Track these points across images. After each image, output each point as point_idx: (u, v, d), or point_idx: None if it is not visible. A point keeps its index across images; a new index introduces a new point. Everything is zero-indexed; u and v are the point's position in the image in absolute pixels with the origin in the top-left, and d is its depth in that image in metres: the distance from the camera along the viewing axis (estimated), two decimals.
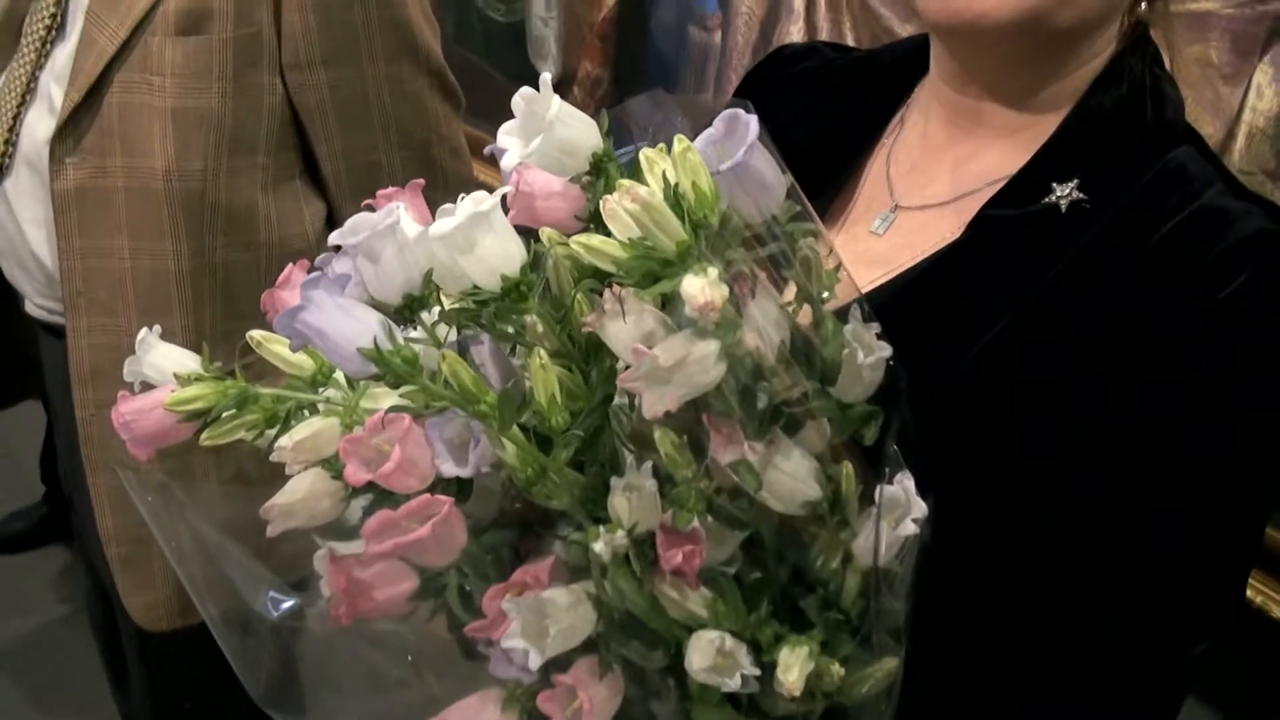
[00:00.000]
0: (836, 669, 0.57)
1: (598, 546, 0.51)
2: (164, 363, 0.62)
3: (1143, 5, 0.73)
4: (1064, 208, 0.69)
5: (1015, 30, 0.68)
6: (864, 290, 0.72)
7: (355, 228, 0.57)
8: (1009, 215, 0.71)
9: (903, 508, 0.57)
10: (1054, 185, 0.70)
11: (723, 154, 0.52)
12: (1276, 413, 0.64)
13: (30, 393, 1.89)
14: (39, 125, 1.36)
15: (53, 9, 1.34)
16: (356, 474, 0.55)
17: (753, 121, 0.53)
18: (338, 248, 0.58)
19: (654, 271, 0.49)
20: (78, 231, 1.34)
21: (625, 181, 0.50)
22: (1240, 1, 1.22)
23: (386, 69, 1.37)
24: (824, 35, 1.57)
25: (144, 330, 0.63)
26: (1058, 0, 0.67)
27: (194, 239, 1.34)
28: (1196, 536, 0.66)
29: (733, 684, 0.55)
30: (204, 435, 0.58)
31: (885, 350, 0.55)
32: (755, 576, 0.59)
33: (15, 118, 1.37)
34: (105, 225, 1.33)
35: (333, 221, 1.42)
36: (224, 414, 0.58)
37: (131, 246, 1.34)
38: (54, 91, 1.35)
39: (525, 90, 0.55)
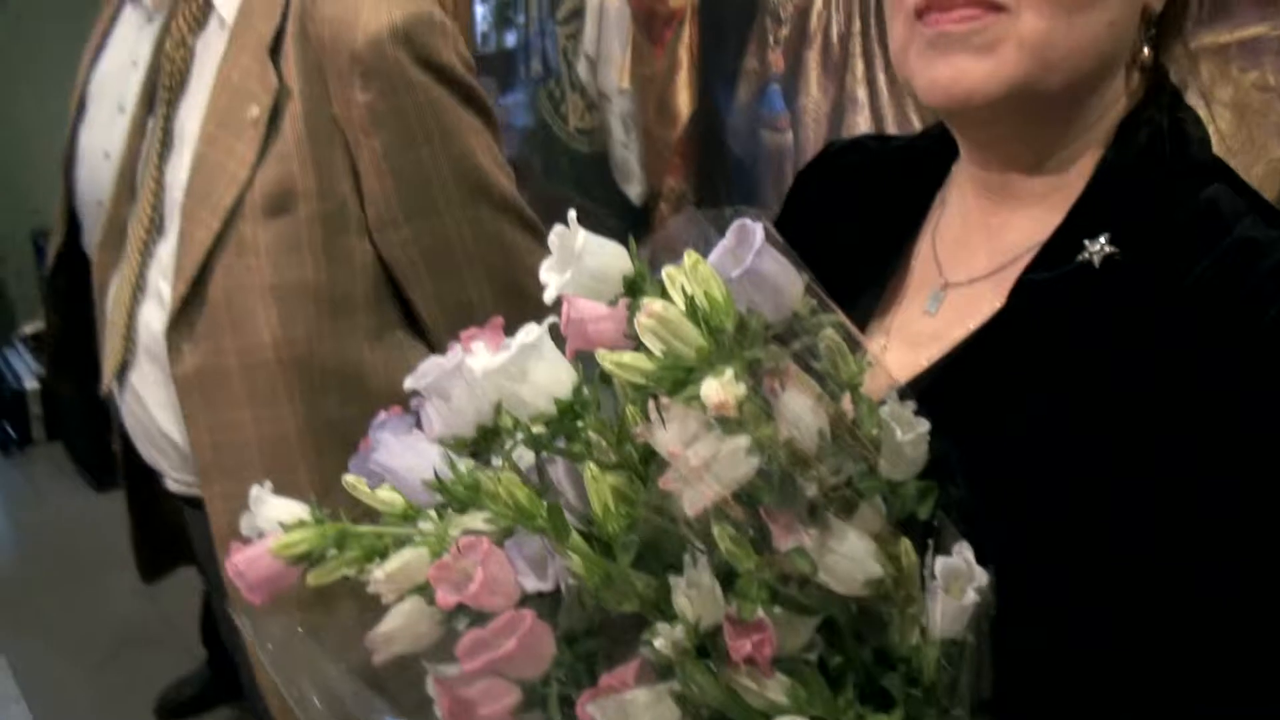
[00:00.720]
0: None
1: (658, 643, 0.55)
2: (277, 515, 0.68)
3: (1145, 52, 0.75)
4: (1098, 263, 0.70)
5: (1007, 103, 0.70)
6: (921, 368, 0.75)
7: (425, 371, 0.63)
8: (1046, 279, 0.72)
9: (964, 577, 0.59)
10: (1086, 243, 0.71)
11: (737, 261, 0.56)
12: None
13: (183, 560, 2.00)
14: (153, 318, 1.46)
15: (150, 211, 1.46)
16: (446, 598, 0.59)
17: (758, 229, 0.57)
18: (416, 391, 0.64)
19: (680, 378, 0.53)
20: (202, 410, 1.43)
21: (646, 299, 0.55)
22: None
23: (464, 214, 1.44)
24: (889, 122, 1.61)
25: (255, 487, 0.69)
26: (1041, 68, 0.69)
27: (308, 400, 1.42)
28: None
29: None
30: (310, 575, 0.63)
31: (923, 425, 0.58)
32: (837, 660, 0.61)
33: (130, 315, 1.48)
34: (226, 400, 1.42)
35: None
36: (327, 554, 0.63)
37: (253, 416, 1.42)
38: (162, 286, 1.45)
39: (558, 227, 0.60)
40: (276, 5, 1.37)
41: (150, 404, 1.51)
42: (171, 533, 1.77)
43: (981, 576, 0.58)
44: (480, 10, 2.51)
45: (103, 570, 3.35)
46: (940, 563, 0.58)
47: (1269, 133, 1.24)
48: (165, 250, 1.45)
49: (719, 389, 0.51)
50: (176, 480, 1.57)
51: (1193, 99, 0.80)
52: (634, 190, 2.12)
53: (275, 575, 0.64)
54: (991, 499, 0.62)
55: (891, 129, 1.59)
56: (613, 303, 0.60)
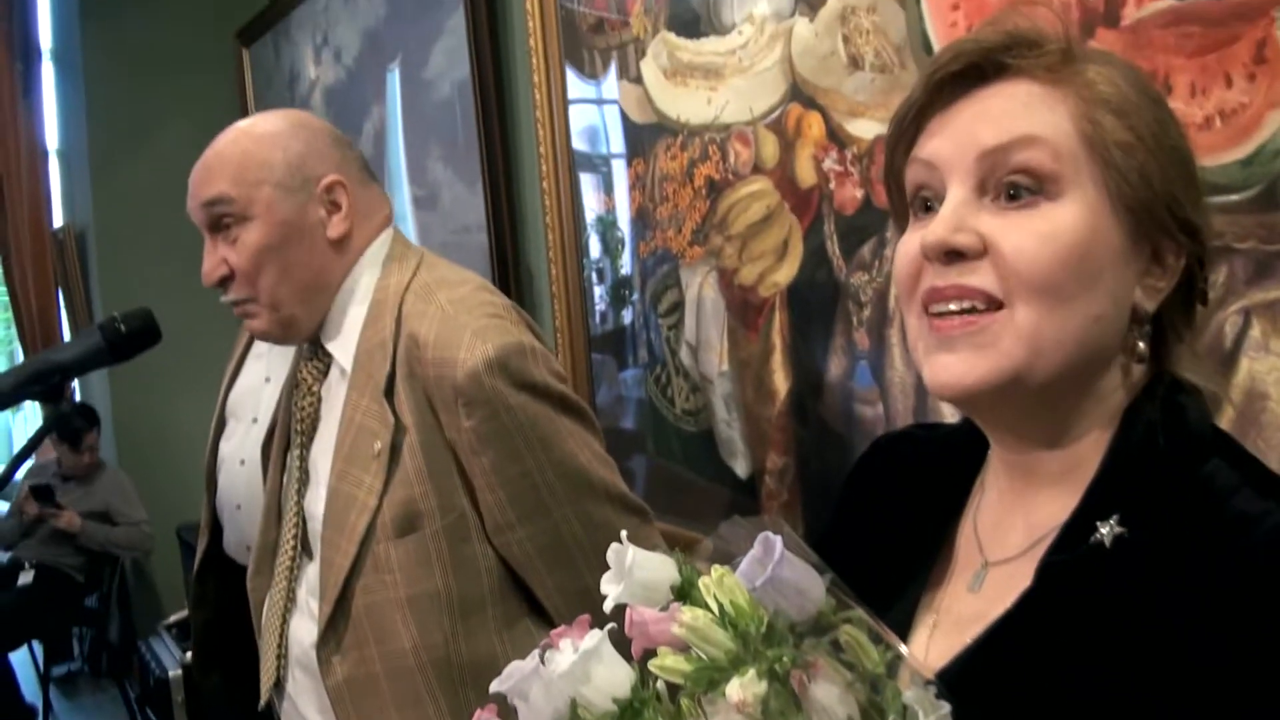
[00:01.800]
0: None
1: None
2: None
3: (1141, 346, 0.83)
4: (1109, 544, 0.77)
5: (1003, 392, 0.78)
6: (958, 652, 0.81)
7: (509, 675, 0.72)
8: (1065, 560, 0.79)
9: None
10: (1098, 524, 0.78)
11: (763, 570, 0.65)
12: None
13: None
14: (304, 633, 1.57)
15: (293, 540, 1.59)
16: None
17: (778, 541, 0.65)
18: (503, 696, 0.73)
19: (714, 678, 0.61)
20: (354, 716, 1.50)
21: (677, 610, 0.63)
22: None
23: (572, 510, 1.52)
24: None
25: None
26: (1033, 355, 0.78)
27: (450, 697, 1.49)
28: None
29: None
30: None
31: (944, 708, 0.64)
32: None
33: (282, 631, 1.59)
34: (375, 706, 1.50)
35: None
36: None
37: (399, 718, 1.49)
38: (311, 603, 1.56)
39: (614, 545, 0.70)
40: (387, 353, 1.51)
41: (306, 711, 1.59)
42: None
43: None
44: (599, 290, 2.69)
45: None
46: None
47: None
48: (312, 571, 1.57)
49: (739, 689, 0.58)
50: None
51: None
52: (740, 465, 2.21)
53: None
54: None
55: None
56: (664, 608, 0.68)
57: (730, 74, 2.13)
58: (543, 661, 0.72)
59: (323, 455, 1.58)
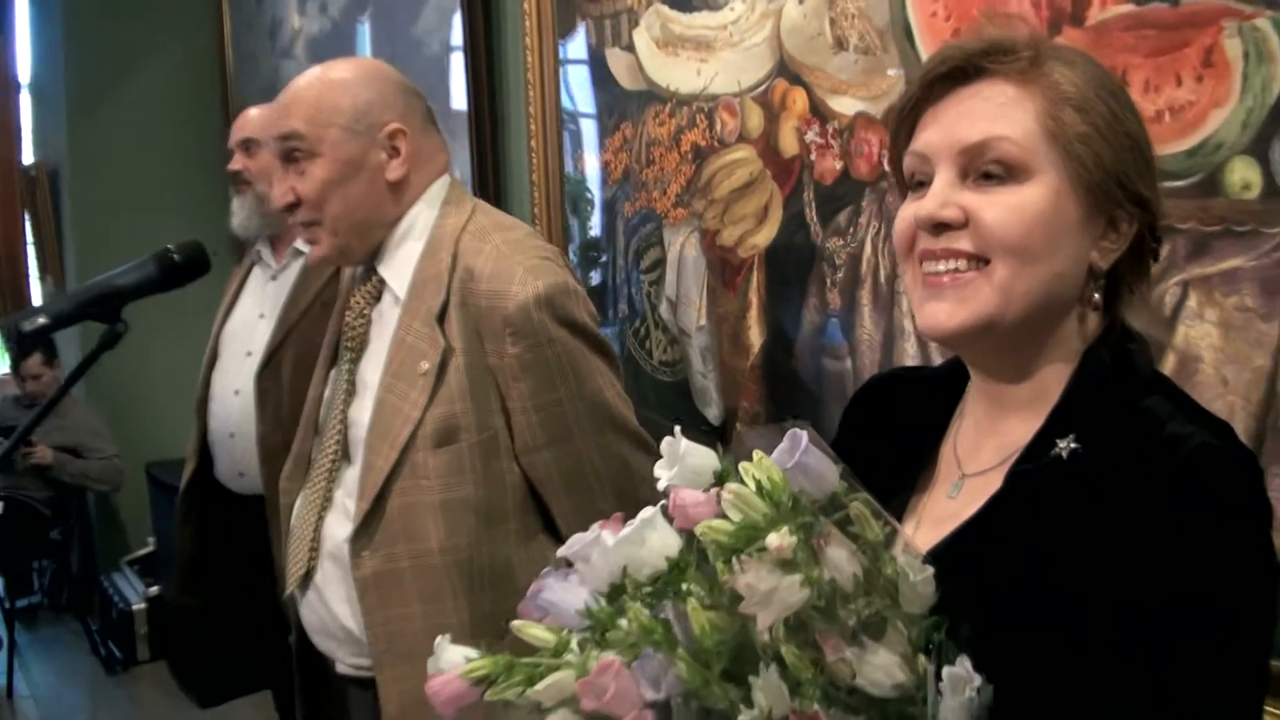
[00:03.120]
0: None
1: (744, 718, 0.77)
2: (454, 657, 0.91)
3: (1096, 297, 1.00)
4: (1065, 456, 0.95)
5: (978, 333, 0.97)
6: (938, 541, 0.98)
7: (574, 542, 0.88)
8: (1030, 468, 0.97)
9: (965, 681, 0.80)
10: (1058, 442, 0.96)
11: (790, 458, 0.81)
12: (1235, 580, 0.87)
13: None
14: (337, 528, 1.72)
15: (335, 446, 1.74)
16: (588, 704, 0.82)
17: (804, 436, 0.82)
18: (568, 562, 0.89)
19: (753, 535, 0.77)
20: (378, 605, 1.66)
21: (730, 484, 0.80)
22: (1261, 253, 1.41)
23: (594, 441, 1.70)
24: (933, 349, 1.83)
25: (439, 638, 0.93)
26: (1005, 304, 0.96)
27: (468, 596, 1.64)
28: (1204, 679, 0.86)
29: None
30: (488, 693, 0.86)
31: (928, 571, 0.81)
32: None
33: (316, 527, 1.74)
34: (399, 597, 1.65)
35: None
36: (499, 678, 0.86)
37: (422, 610, 1.65)
38: (347, 502, 1.71)
39: (667, 438, 0.86)
40: (441, 284, 1.68)
41: (331, 600, 1.74)
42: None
43: (976, 680, 0.80)
44: (571, 248, 2.84)
45: None
46: (947, 672, 0.80)
47: (1250, 345, 1.42)
48: (350, 474, 1.72)
49: (778, 539, 0.75)
50: (348, 665, 1.79)
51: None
52: (712, 412, 2.37)
53: (460, 694, 0.87)
54: (992, 627, 0.84)
55: (935, 353, 1.84)
56: (706, 490, 0.85)
57: (720, 47, 2.28)
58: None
59: (371, 370, 1.74)
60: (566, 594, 0.85)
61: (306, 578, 1.77)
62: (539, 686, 0.84)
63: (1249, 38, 1.40)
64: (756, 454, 0.81)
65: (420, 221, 1.76)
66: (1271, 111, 1.39)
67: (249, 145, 2.87)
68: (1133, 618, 0.87)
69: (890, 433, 1.13)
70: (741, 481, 0.81)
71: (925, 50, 1.85)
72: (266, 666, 3.05)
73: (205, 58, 5.41)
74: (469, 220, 1.75)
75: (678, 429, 0.86)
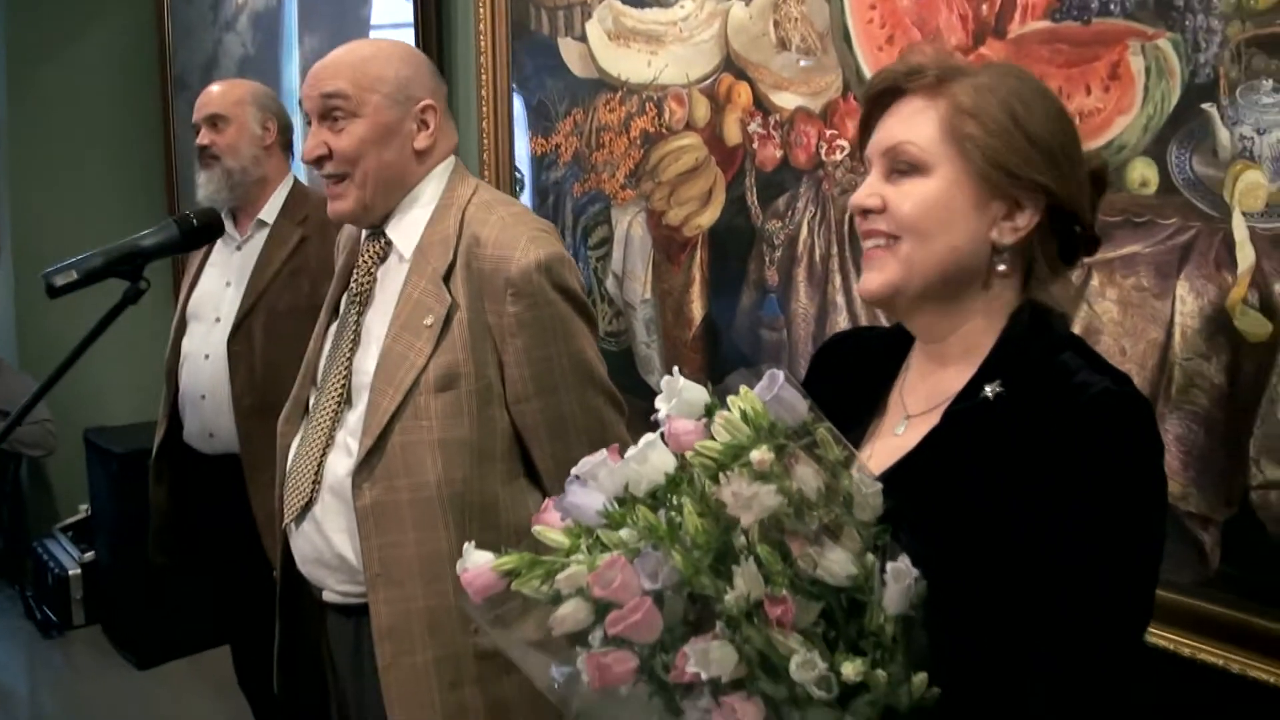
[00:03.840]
0: (882, 675, 1.00)
1: (728, 599, 0.96)
2: (480, 559, 1.09)
3: (1001, 268, 1.20)
4: (992, 398, 1.15)
5: (890, 296, 1.20)
6: (886, 467, 1.18)
7: (584, 464, 1.06)
8: (963, 408, 1.18)
9: (905, 575, 1.00)
10: (986, 386, 1.17)
11: (769, 392, 1.01)
12: (1127, 499, 1.07)
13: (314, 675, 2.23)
14: (338, 465, 1.88)
15: (339, 390, 1.90)
16: (598, 592, 1.00)
17: (780, 375, 1.01)
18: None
19: (737, 453, 0.96)
20: (375, 533, 1.82)
21: (719, 413, 0.99)
22: (1156, 241, 1.62)
23: (575, 395, 1.88)
24: (862, 321, 2.04)
25: (467, 544, 1.10)
26: (904, 276, 1.19)
27: (458, 527, 1.81)
28: (1114, 588, 1.07)
29: (818, 690, 0.98)
30: (514, 584, 1.04)
31: (877, 485, 1.01)
32: (833, 633, 1.02)
33: (319, 463, 1.90)
34: (395, 525, 1.82)
35: None
36: (523, 571, 1.04)
37: (415, 538, 1.81)
38: (349, 441, 1.87)
39: (667, 377, 1.05)
40: (449, 248, 1.86)
41: (329, 530, 1.89)
42: (311, 653, 2.12)
43: (914, 573, 1.00)
44: None
45: None
46: (890, 566, 1.00)
47: (1146, 320, 1.63)
48: (353, 416, 1.88)
49: (759, 454, 0.94)
50: (336, 592, 1.94)
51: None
52: (655, 380, 2.54)
53: (490, 584, 1.05)
54: (930, 535, 1.05)
55: (863, 323, 2.05)
56: (698, 419, 1.03)
57: (670, 42, 2.46)
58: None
59: (377, 322, 1.90)
60: (586, 498, 1.04)
61: (305, 510, 1.92)
62: (560, 577, 1.02)
63: (1151, 55, 1.62)
64: (742, 388, 1.00)
65: (429, 192, 1.94)
66: (1169, 119, 1.61)
67: (215, 121, 2.95)
68: (1043, 529, 1.06)
69: (849, 381, 1.34)
70: (729, 411, 1.01)
71: (862, 53, 2.05)
72: (228, 622, 3.18)
73: (144, 29, 5.43)
74: (474, 194, 1.94)
75: (676, 370, 1.05)
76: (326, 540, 1.90)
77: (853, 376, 1.34)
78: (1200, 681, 1.60)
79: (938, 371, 1.25)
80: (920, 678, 1.02)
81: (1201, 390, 1.58)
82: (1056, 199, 1.20)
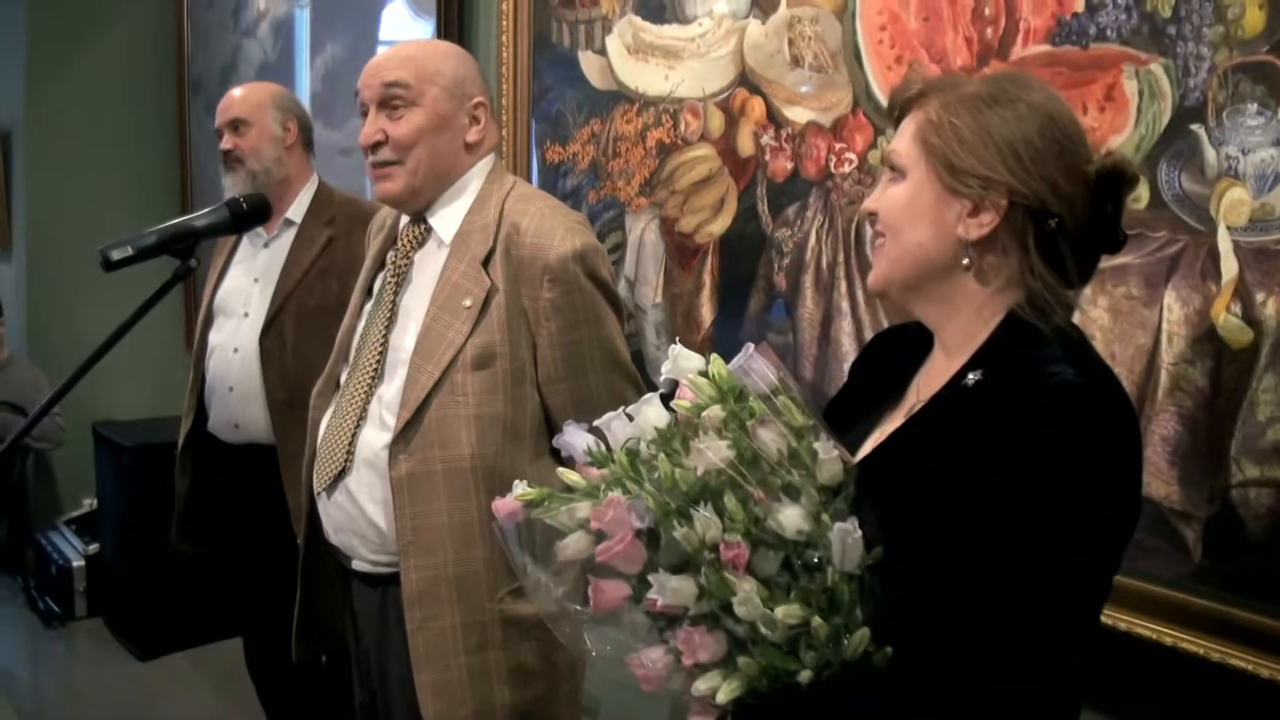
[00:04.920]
0: (822, 624, 1.09)
1: (677, 534, 1.07)
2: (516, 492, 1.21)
3: (965, 261, 1.25)
4: (971, 385, 1.22)
5: (884, 289, 1.31)
6: (882, 438, 1.29)
7: (604, 419, 1.19)
8: (944, 394, 1.26)
9: (852, 534, 1.10)
10: (969, 375, 1.23)
11: (741, 361, 1.13)
12: (1069, 491, 1.12)
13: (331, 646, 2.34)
14: (374, 438, 1.97)
15: (374, 365, 1.99)
16: (594, 524, 1.11)
17: (750, 347, 1.15)
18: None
19: (701, 409, 1.11)
20: (409, 502, 1.91)
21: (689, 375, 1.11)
22: (1146, 253, 1.69)
23: (603, 378, 1.99)
24: (866, 326, 2.11)
25: (517, 482, 1.23)
26: (888, 270, 1.30)
27: (488, 498, 1.84)
28: (1050, 572, 1.12)
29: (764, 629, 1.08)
30: (534, 513, 1.16)
31: (834, 451, 1.10)
32: (789, 581, 1.12)
33: (352, 436, 1.98)
34: (428, 495, 1.90)
35: None
36: (544, 502, 1.17)
37: (448, 508, 1.91)
38: (384, 415, 1.96)
39: (672, 346, 1.15)
40: (488, 235, 1.97)
41: (363, 500, 1.98)
42: (329, 621, 2.21)
43: (856, 533, 1.10)
44: None
45: None
46: (837, 526, 1.10)
47: (1135, 327, 1.70)
48: (388, 391, 1.97)
49: (710, 412, 1.10)
50: (366, 560, 2.02)
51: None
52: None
53: (515, 511, 1.19)
54: (894, 509, 1.13)
55: (866, 329, 2.13)
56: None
57: (688, 57, 2.54)
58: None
59: (414, 303, 2.00)
60: (575, 439, 1.20)
61: (336, 480, 2.00)
62: (563, 509, 1.15)
63: (1144, 79, 1.70)
64: (714, 356, 1.15)
65: (471, 184, 2.05)
66: (1160, 139, 1.68)
67: (237, 125, 3.01)
68: (991, 510, 1.12)
69: (884, 370, 1.44)
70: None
71: (871, 71, 2.13)
72: (242, 609, 3.24)
73: (162, 32, 5.49)
74: (512, 188, 2.05)
75: (677, 340, 1.16)
76: (360, 509, 1.98)
77: (887, 365, 1.44)
78: (1182, 670, 1.67)
79: (943, 361, 1.33)
80: (861, 633, 1.10)
81: (1186, 394, 1.65)
82: (1022, 196, 1.23)
